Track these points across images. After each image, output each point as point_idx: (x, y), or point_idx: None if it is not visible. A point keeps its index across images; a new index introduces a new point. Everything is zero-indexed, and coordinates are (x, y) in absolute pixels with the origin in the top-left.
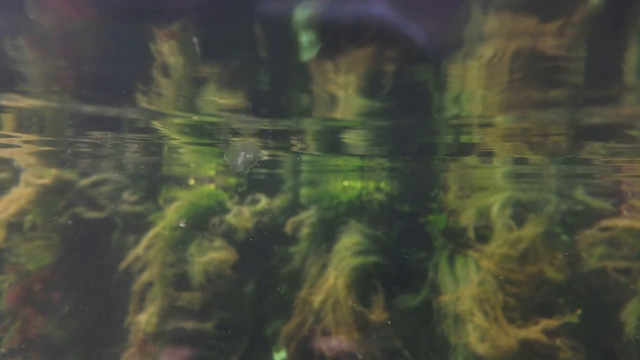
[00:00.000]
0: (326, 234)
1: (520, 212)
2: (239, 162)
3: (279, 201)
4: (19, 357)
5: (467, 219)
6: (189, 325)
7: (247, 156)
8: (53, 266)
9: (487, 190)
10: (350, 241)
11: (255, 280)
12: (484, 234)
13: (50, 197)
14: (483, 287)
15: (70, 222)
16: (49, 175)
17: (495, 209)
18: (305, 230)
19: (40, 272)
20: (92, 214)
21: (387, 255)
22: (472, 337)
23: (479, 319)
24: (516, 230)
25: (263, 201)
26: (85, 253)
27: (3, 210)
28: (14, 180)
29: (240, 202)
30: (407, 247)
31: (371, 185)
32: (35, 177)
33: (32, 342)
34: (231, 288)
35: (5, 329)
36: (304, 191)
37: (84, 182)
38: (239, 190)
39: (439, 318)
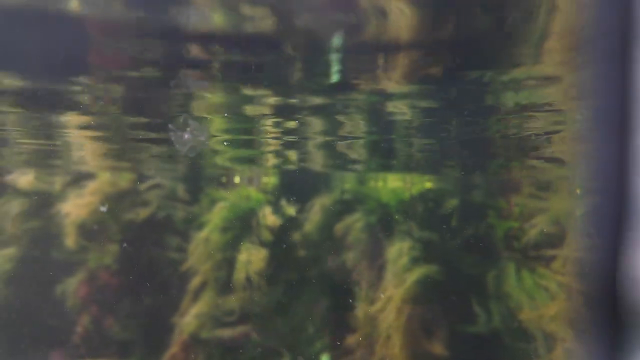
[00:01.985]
0: (375, 239)
1: None
2: (184, 144)
3: (325, 202)
4: (83, 353)
5: (541, 224)
6: (230, 331)
7: (195, 138)
8: (116, 266)
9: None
10: (403, 248)
11: (298, 288)
12: (558, 243)
13: (115, 201)
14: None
15: (132, 224)
16: (114, 179)
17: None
18: (353, 235)
19: (105, 272)
20: (147, 214)
21: (446, 266)
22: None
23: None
24: None
25: (306, 206)
26: (145, 253)
27: (72, 212)
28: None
29: (279, 206)
30: (470, 256)
31: (422, 184)
32: (101, 183)
33: (97, 339)
34: (270, 294)
35: (72, 326)
36: (350, 192)
37: (143, 185)
38: (276, 192)
39: (517, 339)
